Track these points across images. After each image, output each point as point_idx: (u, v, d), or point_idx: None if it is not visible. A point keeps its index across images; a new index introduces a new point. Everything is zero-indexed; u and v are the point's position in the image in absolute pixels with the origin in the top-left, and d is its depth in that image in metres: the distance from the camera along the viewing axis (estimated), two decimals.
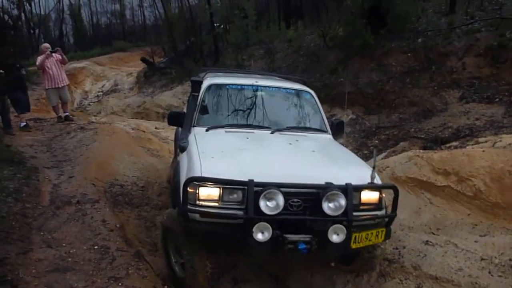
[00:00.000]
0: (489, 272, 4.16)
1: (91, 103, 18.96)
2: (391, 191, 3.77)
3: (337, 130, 4.93)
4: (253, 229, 3.15)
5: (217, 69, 5.36)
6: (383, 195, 3.74)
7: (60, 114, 10.16)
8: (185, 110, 6.65)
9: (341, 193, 3.30)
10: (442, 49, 11.14)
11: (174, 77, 18.59)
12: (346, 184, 3.37)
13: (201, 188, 3.26)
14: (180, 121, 4.48)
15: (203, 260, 3.53)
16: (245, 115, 4.74)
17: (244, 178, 3.25)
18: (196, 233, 3.39)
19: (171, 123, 4.69)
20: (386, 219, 3.71)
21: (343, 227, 3.30)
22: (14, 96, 8.66)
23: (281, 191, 3.22)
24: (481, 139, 7.19)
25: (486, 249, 4.52)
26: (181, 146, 4.07)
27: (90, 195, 5.23)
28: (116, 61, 27.89)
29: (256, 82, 5.00)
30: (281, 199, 3.21)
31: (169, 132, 9.95)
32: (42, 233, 4.11)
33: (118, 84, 20.83)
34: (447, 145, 7.57)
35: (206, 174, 3.28)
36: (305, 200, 3.37)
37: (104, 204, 5.07)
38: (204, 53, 20.54)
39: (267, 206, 3.21)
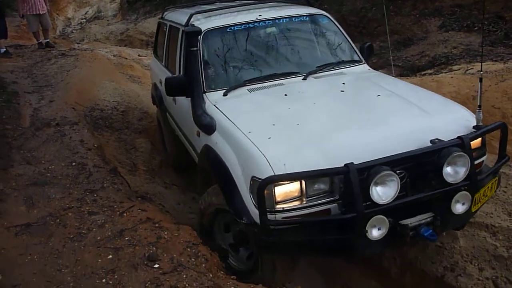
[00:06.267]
0: None
1: (74, 31, 18.58)
2: None
3: (368, 56, 4.05)
4: (366, 227, 2.37)
5: (190, 4, 4.58)
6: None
7: (41, 41, 10.06)
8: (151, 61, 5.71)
9: (464, 153, 2.51)
10: None
11: (158, 3, 18.04)
12: (462, 138, 2.58)
13: (277, 188, 2.41)
14: (185, 88, 3.34)
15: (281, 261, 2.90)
16: (262, 62, 3.74)
17: (332, 161, 2.44)
18: (283, 245, 2.58)
19: (172, 94, 3.50)
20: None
21: (467, 193, 2.58)
22: None
23: (393, 170, 2.41)
24: (455, 67, 7.36)
25: None
26: (205, 126, 3.15)
27: (70, 118, 5.35)
28: None
29: (260, 16, 3.88)
30: (396, 180, 2.40)
31: None
32: (21, 151, 4.28)
33: (101, 10, 20.30)
34: (423, 72, 7.73)
35: (277, 168, 2.43)
36: (409, 169, 2.58)
37: (83, 126, 5.21)
38: None
39: (379, 193, 2.40)
